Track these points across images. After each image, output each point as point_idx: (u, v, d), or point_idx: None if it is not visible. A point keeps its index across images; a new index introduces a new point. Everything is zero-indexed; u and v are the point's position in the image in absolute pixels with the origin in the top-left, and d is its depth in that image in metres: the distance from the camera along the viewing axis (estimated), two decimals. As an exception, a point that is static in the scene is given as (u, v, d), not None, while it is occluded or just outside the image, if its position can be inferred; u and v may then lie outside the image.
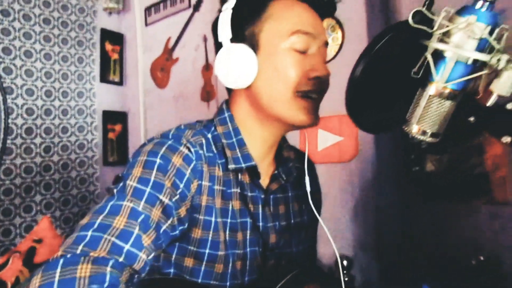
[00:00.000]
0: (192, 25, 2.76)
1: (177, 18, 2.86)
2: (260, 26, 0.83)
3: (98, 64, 3.05)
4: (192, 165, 0.79)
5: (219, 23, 0.84)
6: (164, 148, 0.78)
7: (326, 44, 0.88)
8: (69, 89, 2.86)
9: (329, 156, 1.77)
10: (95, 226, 0.65)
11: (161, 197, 0.72)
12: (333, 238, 1.73)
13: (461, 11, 0.59)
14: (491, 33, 0.58)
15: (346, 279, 1.61)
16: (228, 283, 0.83)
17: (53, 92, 2.76)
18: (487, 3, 0.58)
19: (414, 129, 0.65)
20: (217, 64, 0.84)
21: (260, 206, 0.89)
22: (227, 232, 0.83)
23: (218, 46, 0.87)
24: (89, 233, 0.64)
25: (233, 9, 0.83)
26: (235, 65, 0.82)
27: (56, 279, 0.56)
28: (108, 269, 0.59)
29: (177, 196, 0.75)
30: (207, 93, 2.63)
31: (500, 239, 1.53)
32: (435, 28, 0.60)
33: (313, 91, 0.84)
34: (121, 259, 0.63)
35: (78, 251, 0.61)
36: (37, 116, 2.66)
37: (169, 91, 2.94)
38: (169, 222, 0.74)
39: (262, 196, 0.90)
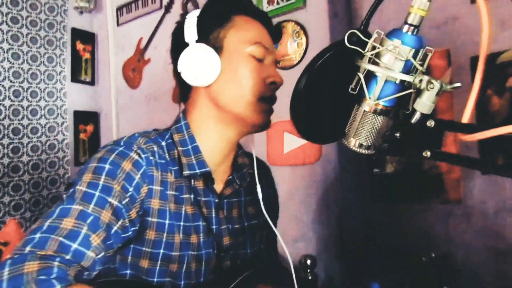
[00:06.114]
0: (163, 26, 2.77)
1: (149, 19, 2.86)
2: (224, 32, 0.91)
3: (69, 64, 3.03)
4: (142, 170, 0.83)
5: (186, 25, 0.91)
6: (114, 155, 0.82)
7: (276, 61, 0.98)
8: (38, 89, 2.83)
9: (294, 159, 1.82)
10: (44, 228, 0.69)
11: (110, 199, 0.76)
12: (297, 238, 1.80)
13: (390, 34, 0.64)
14: (416, 55, 0.63)
15: (310, 277, 1.67)
16: (182, 282, 0.87)
17: (21, 92, 2.72)
18: (412, 28, 0.62)
19: (352, 142, 0.70)
20: (181, 61, 0.89)
21: (213, 210, 0.93)
22: (181, 235, 0.87)
23: (177, 48, 0.93)
24: (38, 235, 0.68)
25: (198, 17, 0.91)
26: (199, 64, 0.88)
27: (5, 277, 0.60)
28: (56, 263, 0.63)
29: (127, 199, 0.79)
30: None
31: (453, 237, 1.61)
32: (366, 49, 0.64)
33: (271, 96, 0.93)
34: (68, 257, 0.67)
35: (26, 252, 0.65)
36: (5, 117, 2.62)
37: (141, 92, 2.94)
38: (119, 223, 0.77)
39: (216, 200, 0.94)
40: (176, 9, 2.68)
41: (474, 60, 1.57)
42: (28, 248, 0.65)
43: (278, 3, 1.88)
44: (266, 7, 1.93)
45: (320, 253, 1.74)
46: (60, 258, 0.65)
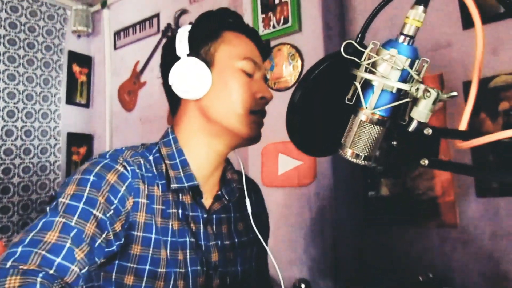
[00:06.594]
0: (160, 50, 2.80)
1: (146, 43, 2.90)
2: (215, 47, 0.92)
3: (65, 86, 3.04)
4: (127, 182, 0.81)
5: (177, 39, 0.92)
6: (99, 167, 0.80)
7: (266, 78, 0.97)
8: (33, 110, 2.82)
9: (288, 180, 1.80)
10: (26, 242, 0.66)
11: (94, 211, 0.74)
12: (291, 261, 1.76)
13: (386, 44, 0.64)
14: (412, 64, 0.63)
15: (304, 302, 1.63)
16: None
17: (16, 113, 2.71)
18: (408, 38, 0.63)
19: (348, 152, 0.69)
20: (172, 74, 0.89)
21: (201, 225, 0.91)
22: (168, 251, 0.85)
23: (168, 62, 0.93)
24: (19, 249, 0.64)
25: (190, 32, 0.92)
26: (190, 77, 0.88)
27: None
28: (38, 279, 0.60)
29: (112, 212, 0.77)
30: (174, 117, 2.65)
31: (449, 261, 1.59)
32: (363, 59, 0.65)
33: (262, 111, 0.94)
34: (51, 272, 0.64)
35: (8, 266, 0.62)
36: (-2, 137, 2.61)
37: (135, 114, 2.94)
38: (103, 236, 0.75)
39: (205, 215, 0.93)
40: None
41: (467, 85, 1.59)
42: (9, 263, 0.62)
43: (274, 26, 1.92)
44: (262, 31, 1.96)
45: (314, 276, 1.71)
46: (43, 273, 0.62)
